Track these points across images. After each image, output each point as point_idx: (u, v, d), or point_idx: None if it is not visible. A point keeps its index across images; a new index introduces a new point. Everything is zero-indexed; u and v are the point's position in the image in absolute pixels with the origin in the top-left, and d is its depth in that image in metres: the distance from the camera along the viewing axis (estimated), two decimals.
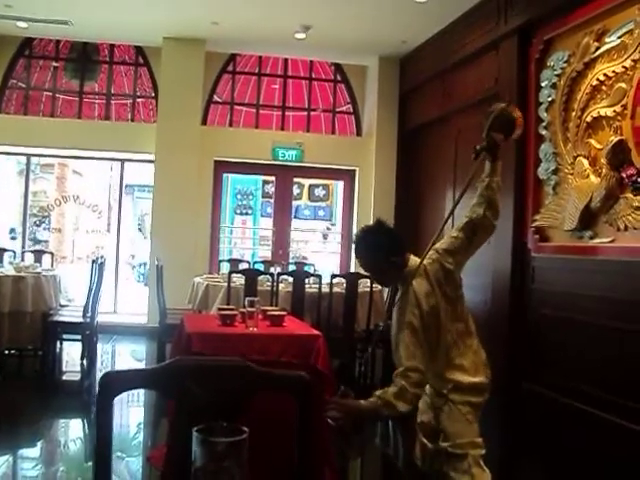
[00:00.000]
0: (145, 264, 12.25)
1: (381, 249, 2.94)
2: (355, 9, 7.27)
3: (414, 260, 2.96)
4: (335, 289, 5.96)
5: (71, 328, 6.24)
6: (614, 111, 4.80)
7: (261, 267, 7.41)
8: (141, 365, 7.51)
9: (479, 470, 2.81)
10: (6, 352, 6.46)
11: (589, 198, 5.02)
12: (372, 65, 9.37)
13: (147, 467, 4.13)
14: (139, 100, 9.41)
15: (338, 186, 10.24)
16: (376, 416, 2.83)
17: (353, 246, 3.11)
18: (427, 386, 2.95)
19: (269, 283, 5.95)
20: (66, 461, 4.23)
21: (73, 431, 5.02)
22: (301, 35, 8.13)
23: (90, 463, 4.30)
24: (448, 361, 2.88)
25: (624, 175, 4.68)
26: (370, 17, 7.49)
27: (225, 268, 7.70)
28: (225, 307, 4.59)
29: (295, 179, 9.96)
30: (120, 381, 1.50)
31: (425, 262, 2.89)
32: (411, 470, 4.05)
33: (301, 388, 1.57)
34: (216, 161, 9.24)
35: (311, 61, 9.72)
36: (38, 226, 10.66)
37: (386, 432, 4.95)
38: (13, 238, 7.40)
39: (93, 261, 6.56)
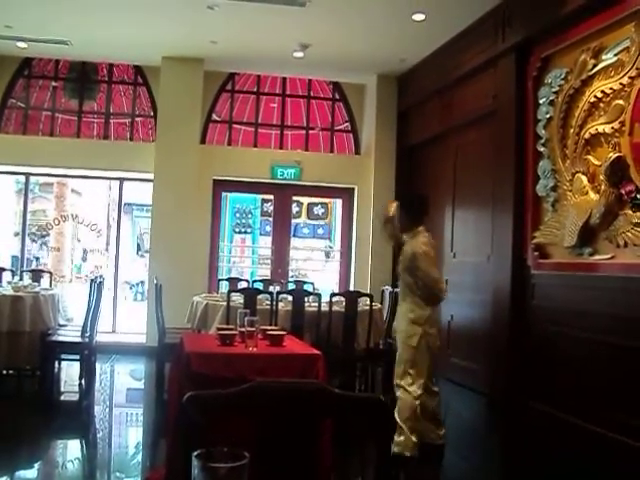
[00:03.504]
0: (143, 282, 12.20)
1: (405, 205, 4.70)
2: (353, 28, 7.32)
3: (417, 239, 4.49)
4: (335, 308, 5.92)
5: (69, 348, 6.20)
6: (612, 128, 4.82)
7: (260, 286, 7.38)
8: (140, 384, 7.47)
9: None
10: (4, 372, 6.41)
11: (588, 215, 5.03)
12: (370, 83, 9.41)
13: None
14: (138, 119, 9.43)
15: (337, 204, 10.24)
16: None
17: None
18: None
19: (268, 302, 5.92)
20: None
21: (71, 452, 4.97)
22: (299, 54, 8.17)
23: None
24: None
25: (623, 191, 4.69)
26: (368, 36, 7.54)
27: (224, 287, 7.67)
28: (224, 327, 4.55)
29: (294, 197, 9.95)
30: (203, 403, 1.49)
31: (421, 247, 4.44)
32: None
33: (378, 410, 1.55)
34: (215, 180, 9.25)
35: (309, 80, 9.75)
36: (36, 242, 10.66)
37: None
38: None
39: (92, 280, 6.52)
